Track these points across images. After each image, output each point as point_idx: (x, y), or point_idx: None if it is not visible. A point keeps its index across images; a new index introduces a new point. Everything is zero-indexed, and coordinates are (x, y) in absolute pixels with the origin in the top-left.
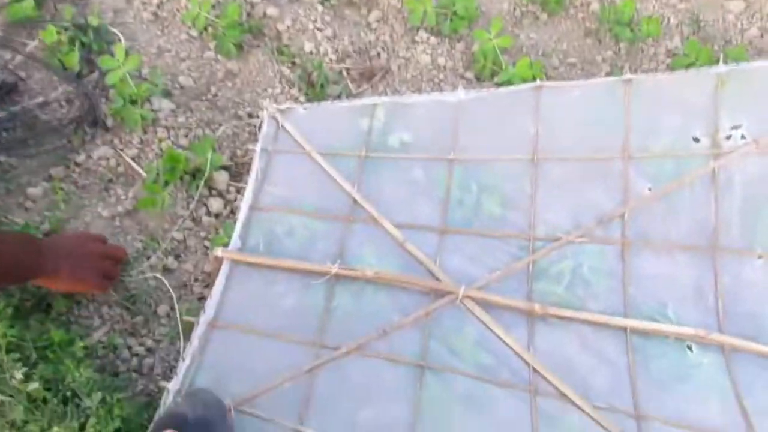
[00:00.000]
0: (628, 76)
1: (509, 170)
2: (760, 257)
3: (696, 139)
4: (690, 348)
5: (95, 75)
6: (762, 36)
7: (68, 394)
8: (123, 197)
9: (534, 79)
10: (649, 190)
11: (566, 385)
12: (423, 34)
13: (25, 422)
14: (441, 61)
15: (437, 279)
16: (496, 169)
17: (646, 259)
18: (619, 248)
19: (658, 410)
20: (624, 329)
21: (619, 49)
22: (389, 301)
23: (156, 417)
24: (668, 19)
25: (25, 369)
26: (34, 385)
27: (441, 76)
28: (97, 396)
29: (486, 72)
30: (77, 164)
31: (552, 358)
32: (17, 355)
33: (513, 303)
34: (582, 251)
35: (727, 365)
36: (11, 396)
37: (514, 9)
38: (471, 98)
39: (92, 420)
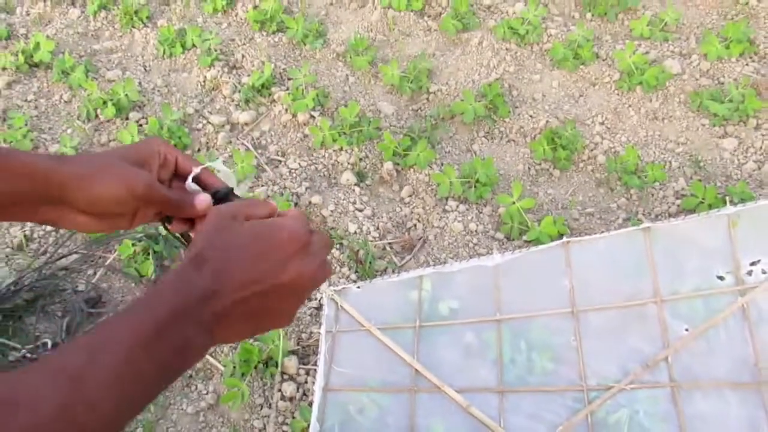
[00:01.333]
0: (645, 224)
1: (553, 325)
2: None
3: (720, 278)
4: None
5: None
6: (759, 168)
7: None
8: (204, 392)
9: (559, 234)
10: (686, 330)
11: None
12: (452, 203)
13: None
14: (472, 226)
15: None
16: (540, 325)
17: (697, 400)
18: (669, 391)
19: None
20: None
21: (630, 195)
22: None
23: None
24: (670, 163)
25: None
26: None
27: (474, 240)
28: None
29: (514, 232)
30: None
31: None
32: None
33: None
34: (634, 398)
35: None
36: None
37: (529, 168)
38: (506, 260)
39: None
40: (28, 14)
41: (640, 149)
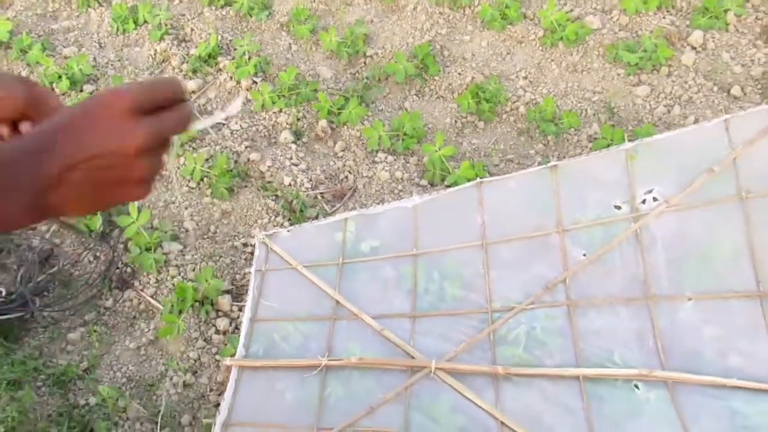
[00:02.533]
0: (553, 163)
1: (465, 257)
2: (689, 299)
3: (617, 207)
4: (637, 387)
5: (116, 232)
6: (669, 112)
7: None
8: (146, 330)
9: (476, 177)
10: (584, 255)
11: None
12: (381, 155)
13: None
14: (398, 174)
15: (412, 357)
16: (453, 258)
17: (591, 316)
18: (566, 309)
19: None
20: (578, 378)
21: (548, 142)
22: (374, 383)
23: None
24: (586, 111)
25: None
26: None
27: (400, 187)
28: None
29: (437, 178)
30: (106, 308)
31: (519, 412)
32: None
33: (478, 369)
34: (534, 316)
35: (672, 398)
36: None
37: (456, 122)
38: (425, 201)
39: None
40: None
41: (559, 99)
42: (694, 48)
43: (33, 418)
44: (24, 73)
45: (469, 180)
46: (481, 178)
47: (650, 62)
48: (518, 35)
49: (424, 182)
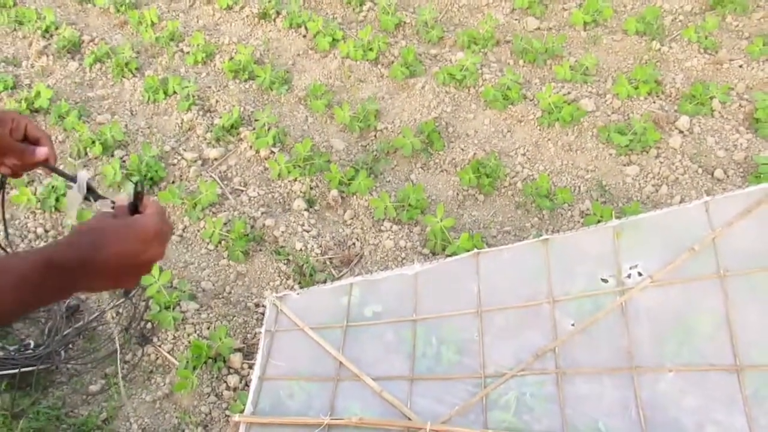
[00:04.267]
0: (544, 237)
1: (461, 323)
2: (670, 371)
3: (604, 280)
4: None
5: (138, 291)
6: (656, 191)
7: None
8: (161, 384)
9: (474, 248)
10: (573, 325)
11: None
12: (387, 224)
13: None
14: (402, 243)
15: (409, 419)
16: (450, 323)
17: (578, 383)
18: (555, 377)
19: None
20: None
21: (543, 216)
22: None
23: None
24: (579, 188)
25: None
26: None
27: (403, 255)
28: None
29: (438, 247)
30: (125, 362)
31: None
32: None
33: None
34: (524, 382)
35: None
36: None
37: (457, 194)
38: (425, 269)
39: None
40: (32, 67)
41: (554, 176)
42: (681, 132)
43: None
44: (60, 137)
45: (467, 250)
46: (478, 248)
47: (640, 144)
48: (518, 115)
49: (426, 251)
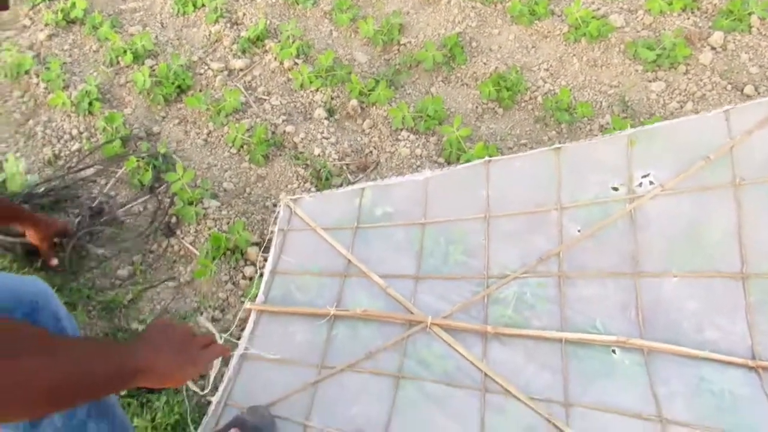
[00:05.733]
0: (557, 145)
1: (469, 227)
2: (675, 276)
3: (615, 188)
4: (614, 351)
5: (164, 187)
6: (681, 107)
7: (144, 400)
8: (183, 272)
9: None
10: (579, 231)
11: (510, 383)
12: (404, 134)
13: None
14: (418, 151)
15: (411, 313)
16: (458, 227)
17: (579, 286)
18: (557, 279)
19: (583, 399)
20: (560, 340)
21: (561, 129)
22: (375, 332)
23: (210, 419)
24: (600, 103)
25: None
26: (121, 393)
27: (418, 163)
28: (162, 399)
29: (453, 157)
30: (151, 251)
31: (502, 366)
32: None
33: (470, 326)
34: (526, 283)
35: (646, 362)
36: None
37: (476, 107)
38: (436, 175)
39: (159, 414)
40: None
41: (576, 92)
42: (713, 48)
43: (84, 334)
44: (94, 47)
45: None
46: (488, 157)
47: (668, 60)
48: (544, 30)
49: (441, 160)
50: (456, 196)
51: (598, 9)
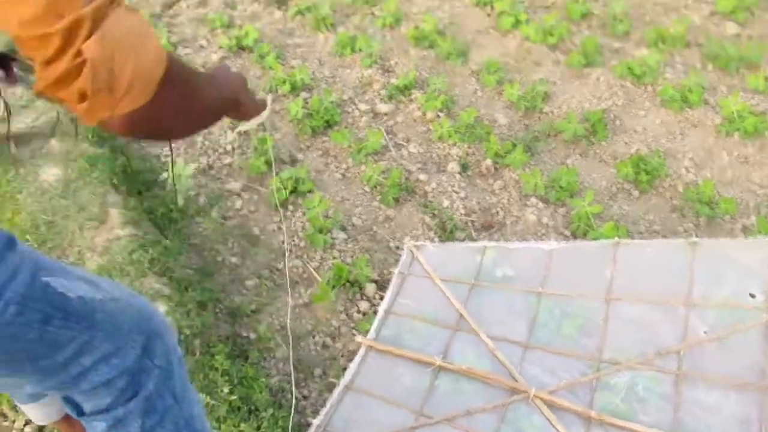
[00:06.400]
0: (694, 239)
1: (588, 305)
2: None
3: (752, 295)
4: None
5: (298, 213)
6: None
7: (252, 407)
8: (303, 294)
9: (617, 238)
10: (705, 333)
11: None
12: (533, 200)
13: (225, 419)
14: (545, 220)
15: (515, 380)
16: (577, 303)
17: (698, 390)
18: (673, 378)
19: None
20: None
21: (699, 223)
22: (477, 391)
23: None
24: (747, 202)
25: (230, 387)
26: (233, 397)
27: (543, 231)
28: (269, 411)
29: (580, 231)
30: (277, 269)
31: None
32: (226, 378)
33: (574, 407)
34: (640, 375)
35: None
36: (219, 402)
37: (611, 186)
38: (562, 247)
39: (265, 424)
40: (245, 11)
41: (721, 186)
42: None
43: (208, 334)
44: (258, 74)
45: (609, 239)
46: (620, 238)
47: None
48: (694, 119)
49: (567, 233)
50: (579, 271)
51: (757, 105)
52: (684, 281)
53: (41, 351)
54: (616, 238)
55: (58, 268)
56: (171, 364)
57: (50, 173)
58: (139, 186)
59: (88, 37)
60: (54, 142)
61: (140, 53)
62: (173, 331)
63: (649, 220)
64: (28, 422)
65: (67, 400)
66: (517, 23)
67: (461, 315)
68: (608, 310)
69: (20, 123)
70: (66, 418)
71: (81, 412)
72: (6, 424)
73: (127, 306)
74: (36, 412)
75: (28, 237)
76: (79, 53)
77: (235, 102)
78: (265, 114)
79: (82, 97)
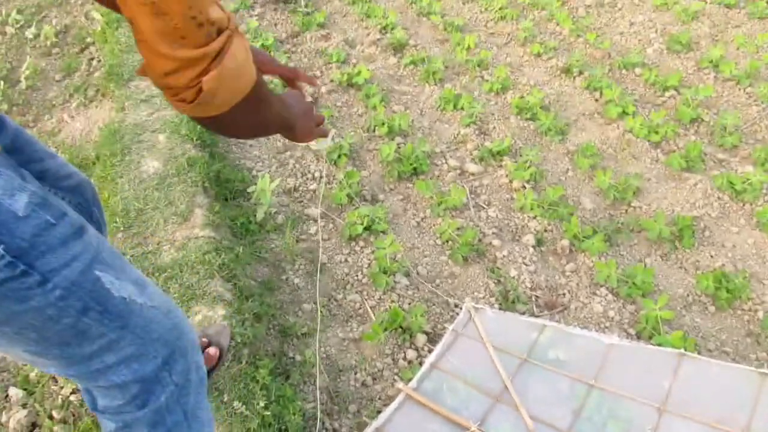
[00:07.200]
0: (765, 370)
1: (638, 410)
2: None
3: None
4: None
5: (367, 250)
6: None
7: (283, 427)
8: (355, 329)
9: (683, 349)
10: None
11: None
12: (603, 291)
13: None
14: (611, 314)
15: None
16: (626, 406)
17: None
18: None
19: None
20: None
21: None
22: None
23: None
24: None
25: (266, 401)
26: (267, 413)
27: (607, 324)
28: None
29: (645, 333)
30: (336, 300)
31: None
32: (264, 393)
33: None
34: None
35: None
36: (253, 414)
37: (687, 295)
38: (623, 344)
39: None
40: (362, 52)
41: None
42: None
43: (257, 346)
44: (360, 111)
45: (675, 348)
46: (687, 351)
47: None
48: None
49: (631, 331)
50: (636, 374)
51: None
52: (746, 411)
53: (71, 338)
54: (683, 350)
55: (116, 265)
56: (189, 383)
57: (151, 165)
58: (226, 193)
59: (207, 71)
60: (162, 138)
61: (240, 80)
62: (199, 352)
63: (721, 339)
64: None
65: (87, 391)
66: (623, 114)
67: (506, 387)
68: (659, 422)
69: (136, 116)
70: None
71: (95, 406)
72: None
73: (163, 317)
74: None
75: (117, 219)
76: (197, 80)
77: (292, 125)
78: (324, 143)
79: (183, 100)
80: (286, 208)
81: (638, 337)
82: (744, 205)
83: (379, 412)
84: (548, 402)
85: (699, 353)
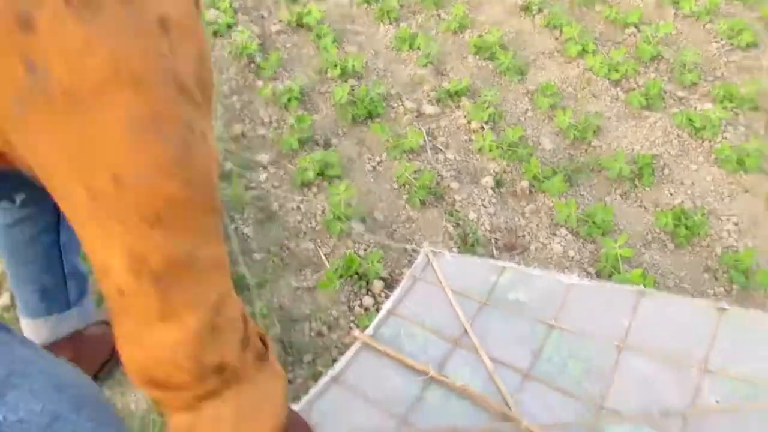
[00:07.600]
0: (722, 305)
1: (597, 349)
2: None
3: None
4: None
5: (321, 196)
6: None
7: None
8: (309, 278)
9: (642, 287)
10: (717, 401)
11: None
12: (563, 231)
13: None
14: (571, 254)
15: (509, 407)
16: (586, 345)
17: None
18: None
19: None
20: None
21: (731, 290)
22: (466, 411)
23: None
24: None
25: None
26: None
27: (567, 264)
28: None
29: (605, 271)
30: (288, 248)
31: None
32: None
33: None
34: (640, 428)
35: None
36: None
37: (647, 233)
38: (583, 284)
39: None
40: None
41: (762, 258)
42: None
43: None
44: (312, 53)
45: (635, 285)
46: (647, 288)
47: None
48: (747, 184)
49: (591, 270)
50: (595, 312)
51: None
52: (703, 346)
53: None
54: (642, 287)
55: (30, 372)
56: None
57: None
58: None
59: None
60: None
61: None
62: None
63: (679, 276)
64: None
65: None
66: (583, 52)
67: (465, 330)
68: (618, 359)
69: None
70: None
71: None
72: None
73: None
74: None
75: None
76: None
77: None
78: None
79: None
80: (233, 156)
81: (598, 275)
82: (703, 142)
83: (335, 361)
84: (508, 344)
85: (658, 290)
